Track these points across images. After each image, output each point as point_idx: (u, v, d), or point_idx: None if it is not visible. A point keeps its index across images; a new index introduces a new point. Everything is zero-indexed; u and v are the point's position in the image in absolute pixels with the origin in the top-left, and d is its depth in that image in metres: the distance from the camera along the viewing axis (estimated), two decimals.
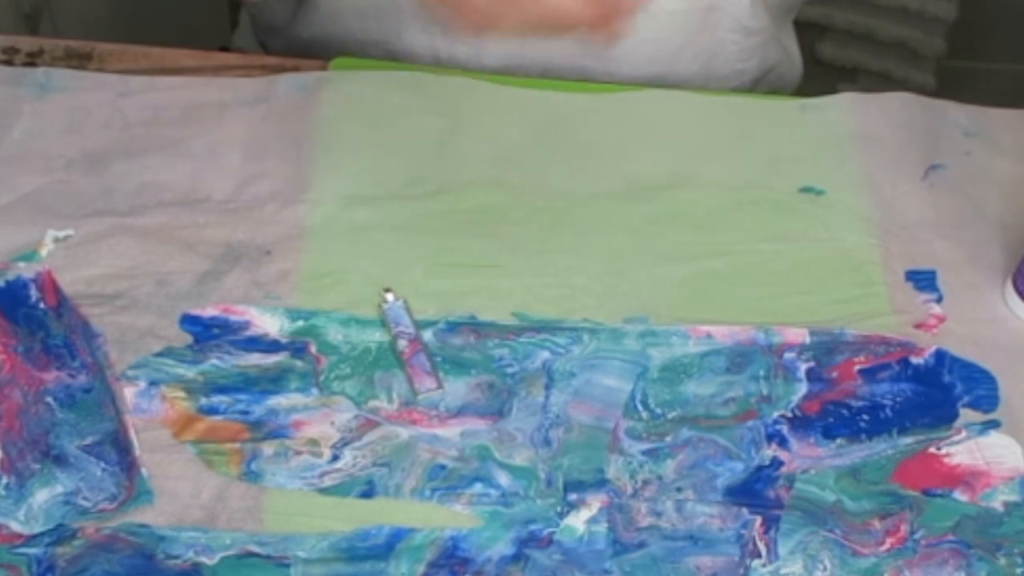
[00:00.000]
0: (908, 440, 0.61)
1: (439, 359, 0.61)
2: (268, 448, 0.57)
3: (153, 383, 0.59)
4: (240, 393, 0.59)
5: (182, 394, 0.59)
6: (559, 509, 0.57)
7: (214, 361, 0.60)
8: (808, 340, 0.64)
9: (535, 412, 0.60)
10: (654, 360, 0.63)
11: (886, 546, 0.57)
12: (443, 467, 0.58)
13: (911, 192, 0.72)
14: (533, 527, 0.56)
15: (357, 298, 0.63)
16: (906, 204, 0.71)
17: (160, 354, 0.60)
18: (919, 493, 0.59)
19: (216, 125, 0.70)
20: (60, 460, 0.56)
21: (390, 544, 0.55)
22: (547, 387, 0.61)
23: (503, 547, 0.55)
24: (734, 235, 0.68)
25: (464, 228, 0.67)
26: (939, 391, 0.63)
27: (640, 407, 0.61)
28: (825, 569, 0.56)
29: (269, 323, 0.62)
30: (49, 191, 0.66)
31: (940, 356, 0.64)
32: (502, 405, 0.60)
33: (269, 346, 0.61)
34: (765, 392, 0.62)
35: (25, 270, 0.62)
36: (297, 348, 0.61)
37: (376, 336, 0.62)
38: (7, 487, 0.55)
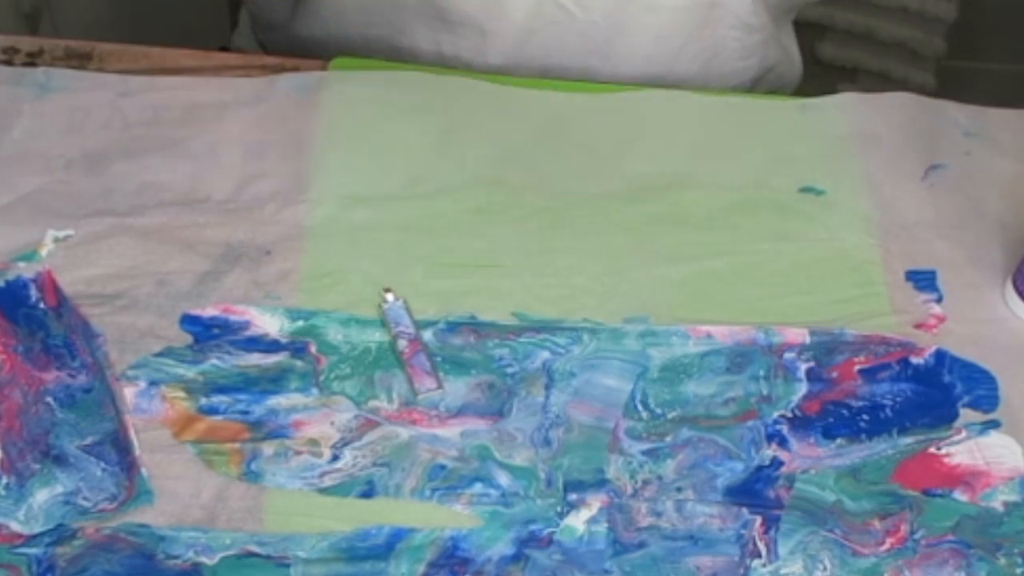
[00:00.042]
0: (908, 440, 0.61)
1: (439, 359, 0.61)
2: (268, 448, 0.57)
3: (153, 383, 0.59)
4: (240, 393, 0.59)
5: (182, 394, 0.59)
6: (559, 509, 0.57)
7: (214, 361, 0.60)
8: (808, 340, 0.64)
9: (535, 412, 0.60)
10: (654, 360, 0.63)
11: (886, 546, 0.57)
12: (443, 467, 0.58)
13: (911, 192, 0.72)
14: (533, 527, 0.56)
15: (357, 298, 0.63)
16: (906, 204, 0.71)
17: (160, 354, 0.60)
18: (919, 493, 0.59)
19: (216, 125, 0.70)
20: (60, 460, 0.56)
21: (390, 544, 0.55)
22: (547, 387, 0.61)
23: (503, 547, 0.55)
24: (734, 235, 0.68)
25: (464, 228, 0.67)
26: (939, 391, 0.63)
27: (640, 407, 0.61)
28: (825, 569, 0.56)
29: (269, 323, 0.62)
30: (49, 191, 0.66)
31: (940, 356, 0.64)
32: (502, 405, 0.60)
33: (269, 346, 0.61)
34: (765, 392, 0.62)
35: (25, 270, 0.62)
36: (297, 348, 0.61)
37: (376, 336, 0.62)
38: (7, 487, 0.55)
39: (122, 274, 0.63)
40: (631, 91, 0.75)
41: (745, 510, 0.57)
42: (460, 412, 0.60)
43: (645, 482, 0.58)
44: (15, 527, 0.54)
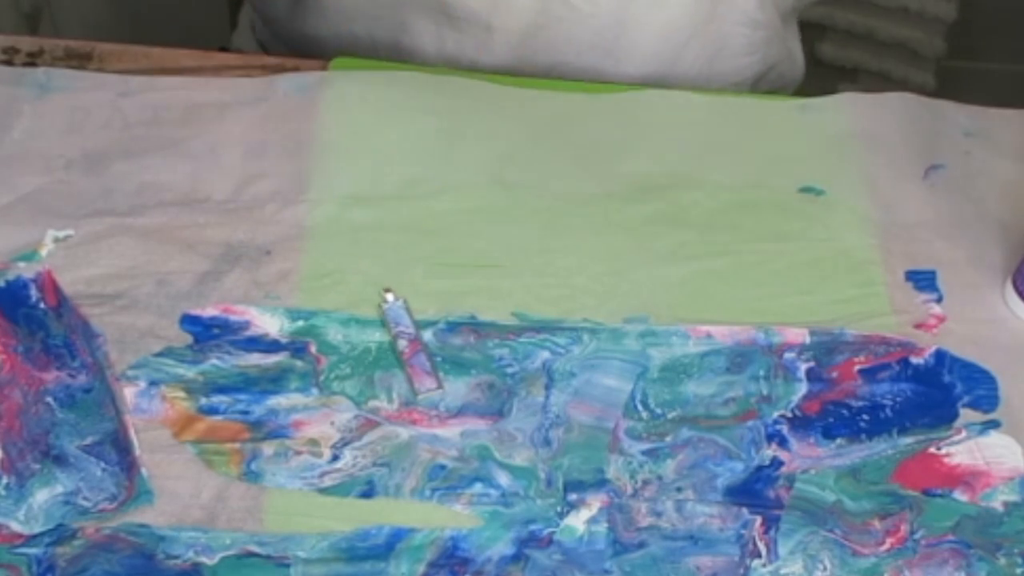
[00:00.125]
0: (908, 440, 0.61)
1: (439, 359, 0.61)
2: (268, 448, 0.57)
3: (153, 383, 0.59)
4: (240, 393, 0.59)
5: (182, 394, 0.59)
6: (559, 509, 0.57)
7: (214, 361, 0.60)
8: (808, 340, 0.64)
9: (535, 412, 0.60)
10: (654, 360, 0.63)
11: (886, 546, 0.57)
12: (443, 467, 0.58)
13: (911, 192, 0.72)
14: (533, 527, 0.56)
15: (357, 298, 0.63)
16: (906, 204, 0.71)
17: (160, 354, 0.60)
18: (919, 493, 0.59)
19: (216, 125, 0.70)
20: (60, 460, 0.56)
21: (390, 544, 0.55)
22: (547, 387, 0.61)
23: (503, 547, 0.55)
24: (734, 235, 0.68)
25: (464, 228, 0.67)
26: (939, 391, 0.63)
27: (640, 407, 0.61)
28: (825, 569, 0.56)
29: (269, 323, 0.62)
30: (49, 191, 0.66)
31: (940, 356, 0.64)
32: (502, 405, 0.60)
33: (269, 346, 0.61)
34: (765, 392, 0.62)
35: (25, 270, 0.62)
36: (297, 348, 0.61)
37: (376, 336, 0.62)
38: (7, 487, 0.55)
39: (122, 274, 0.63)
40: (631, 91, 0.75)
41: (745, 510, 0.57)
42: (460, 412, 0.60)
43: (645, 482, 0.58)
44: (15, 527, 0.54)
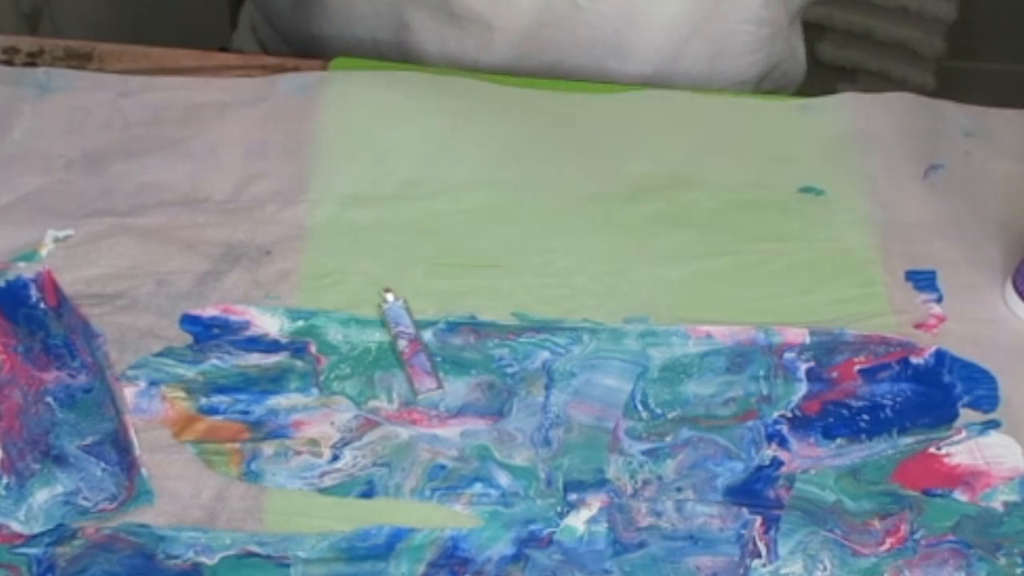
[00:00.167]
0: (908, 440, 0.61)
1: (439, 359, 0.61)
2: (268, 448, 0.57)
3: (153, 383, 0.59)
4: (240, 393, 0.59)
5: (182, 394, 0.59)
6: (559, 509, 0.57)
7: (214, 361, 0.60)
8: (808, 340, 0.64)
9: (535, 412, 0.60)
10: (654, 360, 0.63)
11: (886, 546, 0.57)
12: (443, 467, 0.58)
13: (911, 192, 0.72)
14: (533, 527, 0.56)
15: (357, 298, 0.63)
16: (906, 204, 0.71)
17: (160, 354, 0.60)
18: (919, 493, 0.59)
19: (216, 125, 0.70)
20: (60, 460, 0.56)
21: (390, 544, 0.55)
22: (547, 387, 0.61)
23: (503, 547, 0.55)
24: (734, 235, 0.68)
25: (464, 228, 0.67)
26: (939, 391, 0.63)
27: (640, 407, 0.61)
28: (825, 569, 0.56)
29: (269, 323, 0.62)
30: (49, 191, 0.66)
31: (940, 356, 0.64)
32: (502, 405, 0.60)
33: (269, 346, 0.61)
34: (765, 392, 0.62)
35: (25, 270, 0.62)
36: (297, 348, 0.61)
37: (376, 336, 0.62)
38: (7, 487, 0.55)
39: (122, 274, 0.63)
40: (631, 91, 0.75)
41: (745, 510, 0.57)
42: (460, 412, 0.60)
43: (645, 482, 0.58)
44: (15, 527, 0.54)
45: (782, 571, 0.56)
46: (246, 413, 0.58)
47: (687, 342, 0.63)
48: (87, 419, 0.57)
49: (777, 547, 0.56)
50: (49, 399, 0.58)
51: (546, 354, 0.62)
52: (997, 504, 0.59)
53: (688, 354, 0.63)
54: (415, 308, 0.63)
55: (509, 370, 0.61)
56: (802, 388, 0.62)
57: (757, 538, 0.57)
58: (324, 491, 0.56)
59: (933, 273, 0.68)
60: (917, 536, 0.57)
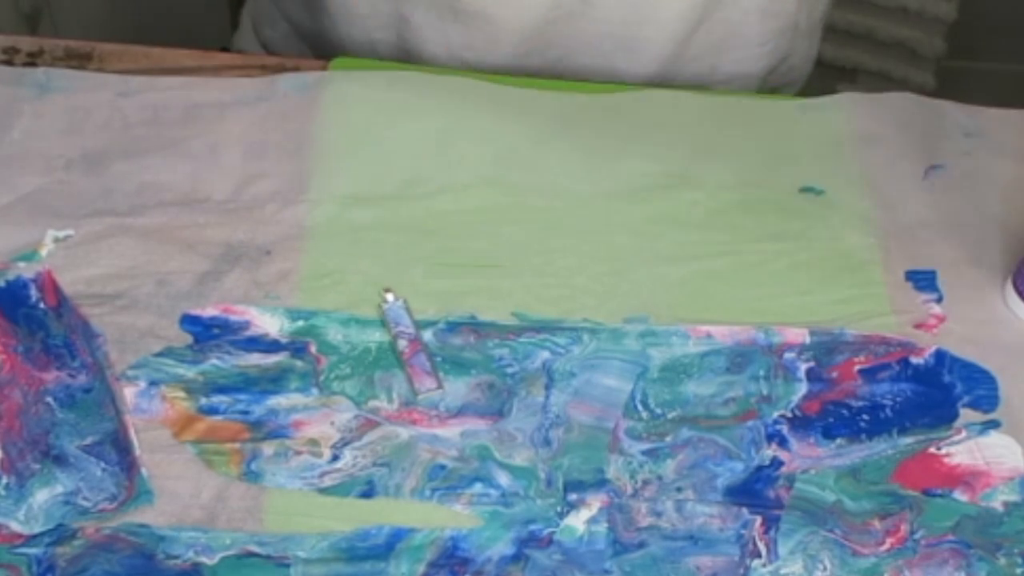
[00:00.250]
0: (908, 440, 0.61)
1: (439, 359, 0.61)
2: (268, 448, 0.57)
3: (153, 383, 0.59)
4: (240, 393, 0.59)
5: (182, 394, 0.59)
6: (559, 509, 0.57)
7: (214, 361, 0.60)
8: (808, 340, 0.64)
9: (535, 412, 0.60)
10: (654, 360, 0.63)
11: (886, 546, 0.57)
12: (443, 467, 0.58)
13: (911, 192, 0.72)
14: (533, 527, 0.56)
15: (357, 298, 0.63)
16: (906, 204, 0.71)
17: (160, 354, 0.60)
18: (919, 493, 0.59)
19: (216, 125, 0.70)
20: (60, 460, 0.56)
21: (390, 544, 0.55)
22: (547, 387, 0.61)
23: (503, 547, 0.55)
24: (734, 235, 0.68)
25: (464, 228, 0.67)
26: (939, 391, 0.63)
27: (640, 407, 0.61)
28: (825, 569, 0.56)
29: (269, 323, 0.62)
30: (49, 191, 0.66)
31: (940, 356, 0.64)
32: (502, 405, 0.60)
33: (269, 346, 0.61)
34: (765, 392, 0.62)
35: (25, 270, 0.62)
36: (297, 348, 0.61)
37: (376, 336, 0.62)
38: (7, 487, 0.55)
39: (122, 274, 0.63)
40: (631, 91, 0.75)
41: (745, 510, 0.57)
42: (460, 412, 0.60)
43: (645, 482, 0.58)
44: (15, 527, 0.54)
45: (782, 571, 0.56)
46: (246, 413, 0.59)
47: (687, 342, 0.63)
48: (87, 419, 0.57)
49: (777, 547, 0.56)
50: (49, 399, 0.58)
51: (546, 354, 0.62)
52: (997, 504, 0.59)
53: (688, 354, 0.63)
54: (415, 308, 0.63)
55: (509, 370, 0.61)
56: (802, 388, 0.62)
57: (757, 538, 0.57)
58: (324, 491, 0.56)
59: (933, 273, 0.68)
60: (917, 536, 0.57)
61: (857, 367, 0.63)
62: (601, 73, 0.80)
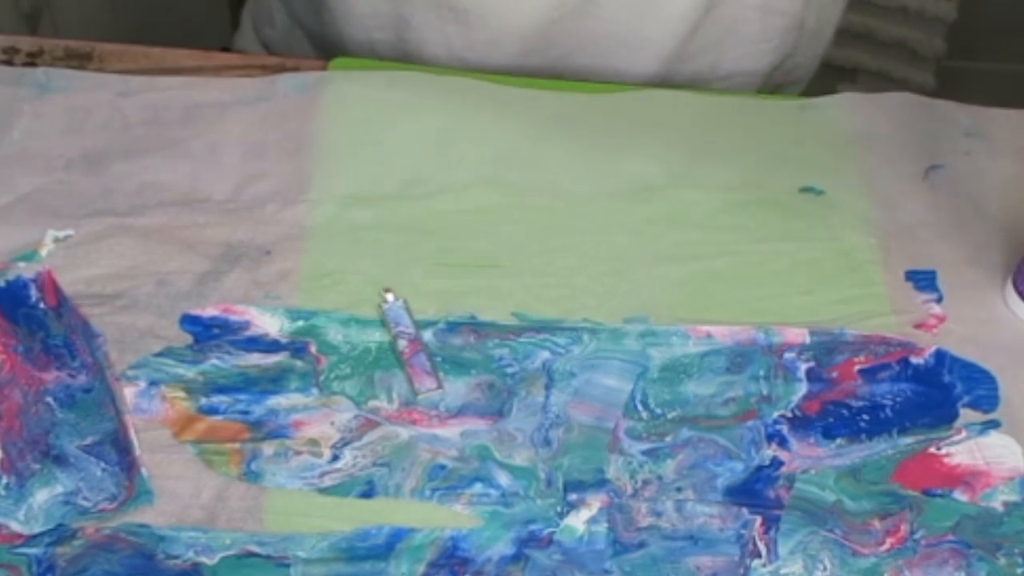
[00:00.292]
0: (908, 440, 0.61)
1: (439, 359, 0.61)
2: (268, 448, 0.57)
3: (153, 383, 0.59)
4: (240, 393, 0.59)
5: (182, 394, 0.59)
6: (559, 509, 0.57)
7: (214, 361, 0.60)
8: (808, 340, 0.64)
9: (535, 412, 0.60)
10: (654, 360, 0.63)
11: (886, 546, 0.57)
12: (443, 467, 0.58)
13: (911, 192, 0.72)
14: (533, 527, 0.56)
15: (357, 298, 0.63)
16: (906, 204, 0.71)
17: (160, 354, 0.60)
18: (919, 493, 0.59)
19: (216, 125, 0.70)
20: (60, 460, 0.56)
21: (390, 544, 0.55)
22: (547, 387, 0.61)
23: (503, 547, 0.55)
24: (734, 235, 0.68)
25: (464, 228, 0.67)
26: (939, 391, 0.63)
27: (640, 407, 0.61)
28: (825, 569, 0.56)
29: (269, 323, 0.62)
30: (49, 191, 0.66)
31: (940, 356, 0.64)
32: (502, 405, 0.60)
33: (269, 346, 0.61)
34: (765, 392, 0.62)
35: (25, 270, 0.62)
36: (297, 348, 0.61)
37: (376, 336, 0.62)
38: (7, 487, 0.55)
39: (122, 274, 0.63)
40: (631, 91, 0.75)
41: (745, 510, 0.57)
42: (460, 412, 0.60)
43: (645, 482, 0.58)
44: (15, 527, 0.54)
45: (782, 571, 0.56)
46: (246, 413, 0.59)
47: (687, 342, 0.63)
48: (87, 419, 0.57)
49: (777, 547, 0.56)
50: (49, 399, 0.58)
51: (546, 354, 0.62)
52: (997, 504, 0.59)
53: (688, 354, 0.63)
54: (415, 308, 0.63)
55: (509, 370, 0.61)
56: (802, 388, 0.62)
57: (757, 538, 0.57)
58: (324, 491, 0.56)
59: (933, 273, 0.68)
60: (917, 536, 0.57)
61: (857, 367, 0.63)
62: (602, 72, 0.80)
